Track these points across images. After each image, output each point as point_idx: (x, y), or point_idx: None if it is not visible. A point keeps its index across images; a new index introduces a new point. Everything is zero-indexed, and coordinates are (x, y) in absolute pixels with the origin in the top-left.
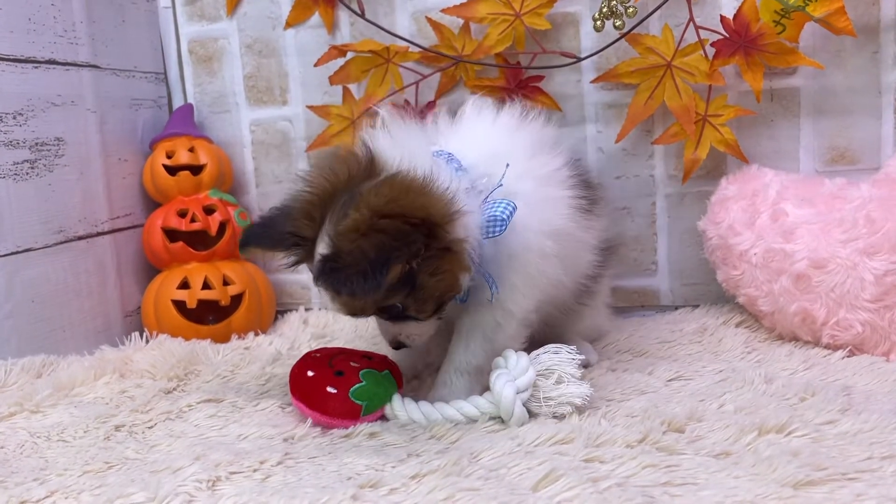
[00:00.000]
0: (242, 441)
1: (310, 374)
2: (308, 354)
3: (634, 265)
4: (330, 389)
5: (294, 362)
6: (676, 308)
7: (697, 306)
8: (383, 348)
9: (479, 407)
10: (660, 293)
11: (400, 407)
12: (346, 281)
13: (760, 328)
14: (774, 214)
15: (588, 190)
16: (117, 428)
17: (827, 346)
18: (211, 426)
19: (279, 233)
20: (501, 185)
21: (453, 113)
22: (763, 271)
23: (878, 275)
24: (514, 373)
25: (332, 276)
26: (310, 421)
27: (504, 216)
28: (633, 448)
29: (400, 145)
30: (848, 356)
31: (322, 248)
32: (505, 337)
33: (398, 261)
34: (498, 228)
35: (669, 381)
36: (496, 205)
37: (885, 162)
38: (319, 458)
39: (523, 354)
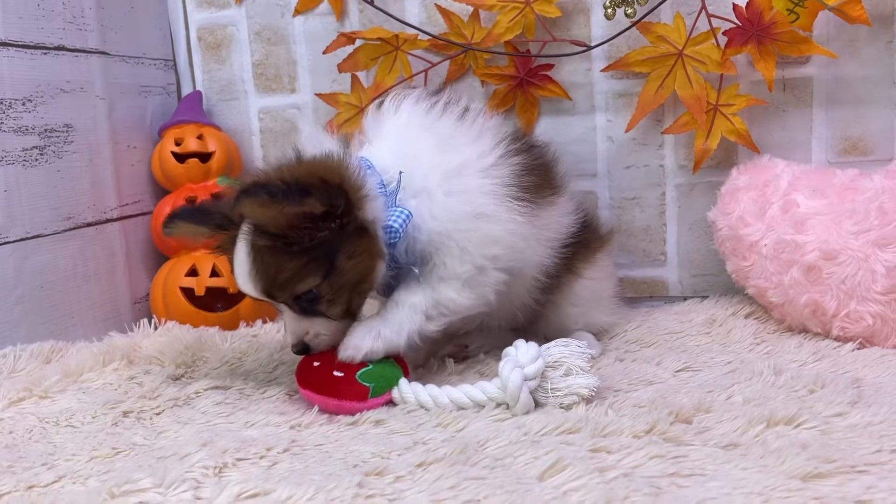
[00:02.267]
0: (249, 428)
1: (316, 364)
2: None
3: (643, 255)
4: (337, 373)
5: None
6: (685, 299)
7: (706, 297)
8: None
9: (486, 392)
10: (668, 284)
11: (407, 390)
12: (267, 189)
13: (770, 319)
14: (785, 205)
15: (536, 177)
16: (125, 414)
17: (837, 339)
18: (218, 413)
19: (206, 212)
20: (401, 187)
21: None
22: (773, 262)
23: (889, 267)
24: (523, 360)
25: (253, 188)
26: (316, 409)
27: (396, 225)
28: (640, 439)
29: (319, 146)
30: (858, 348)
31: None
32: (448, 289)
33: (318, 198)
34: (396, 238)
35: (677, 372)
36: (391, 214)
37: None
38: (326, 446)
39: (533, 344)
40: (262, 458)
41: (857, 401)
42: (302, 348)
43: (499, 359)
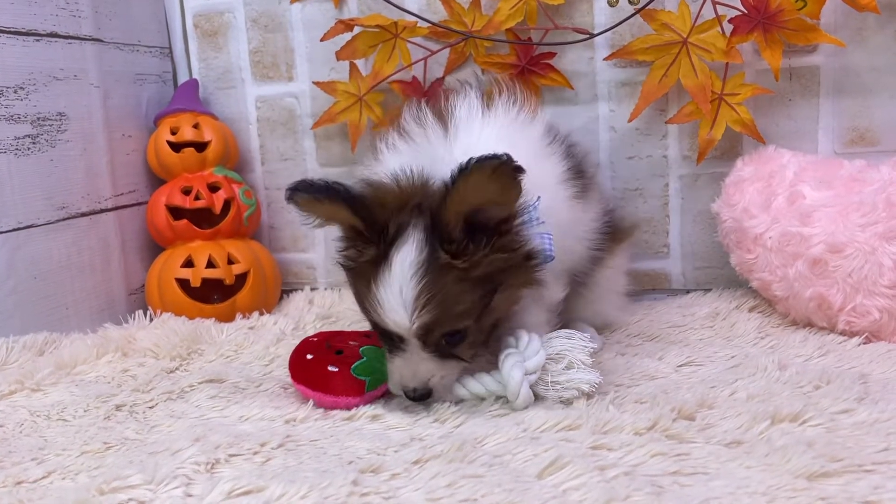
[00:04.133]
0: (243, 423)
1: (308, 357)
2: (305, 340)
3: (646, 247)
4: (331, 368)
5: (296, 345)
6: (688, 292)
7: (709, 290)
8: None
9: (485, 385)
10: (671, 276)
11: None
12: (502, 161)
13: (774, 313)
14: (791, 197)
15: (582, 177)
16: (118, 408)
17: (843, 333)
18: (212, 407)
19: (335, 188)
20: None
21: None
22: (778, 255)
23: None
24: (525, 354)
25: (487, 158)
26: (311, 403)
27: (548, 249)
28: (642, 435)
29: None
30: (864, 343)
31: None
32: (549, 292)
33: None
34: (548, 261)
35: (680, 366)
36: (539, 236)
37: None
38: (321, 442)
39: (535, 337)
40: (255, 453)
41: (863, 397)
42: (423, 394)
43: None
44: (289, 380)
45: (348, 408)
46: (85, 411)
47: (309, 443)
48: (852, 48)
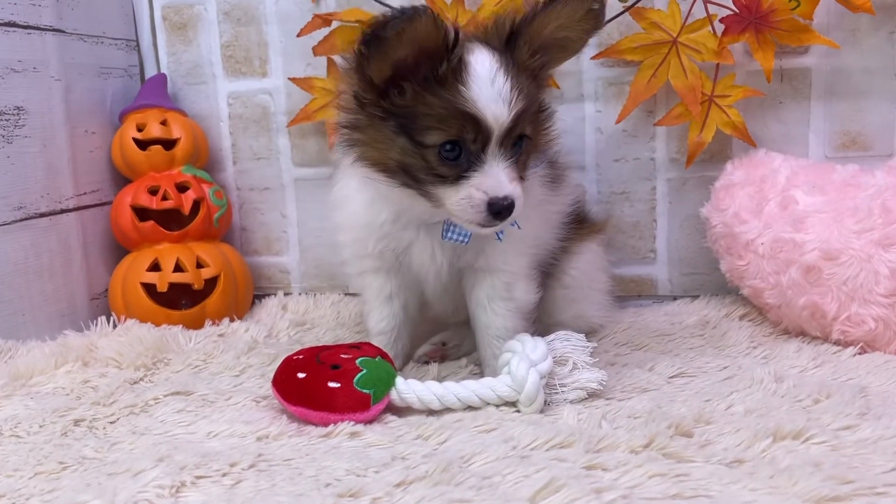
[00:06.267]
0: (212, 439)
1: (301, 375)
2: (289, 358)
3: (632, 252)
4: (332, 385)
5: (279, 366)
6: (675, 298)
7: (697, 296)
8: (366, 336)
9: (495, 390)
10: (658, 282)
11: (406, 390)
12: None
13: (765, 321)
14: (784, 202)
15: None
16: (76, 423)
17: (837, 343)
18: (178, 422)
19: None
20: None
21: None
22: (770, 262)
23: (893, 268)
24: (534, 358)
25: None
26: (285, 419)
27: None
28: (639, 454)
29: None
30: (859, 353)
31: None
32: (521, 292)
33: None
34: None
35: (671, 377)
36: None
37: None
38: (295, 461)
39: (541, 340)
40: (224, 475)
41: (865, 412)
42: (510, 205)
43: (478, 360)
44: (261, 392)
45: (356, 422)
46: (41, 427)
47: (282, 462)
48: (845, 49)
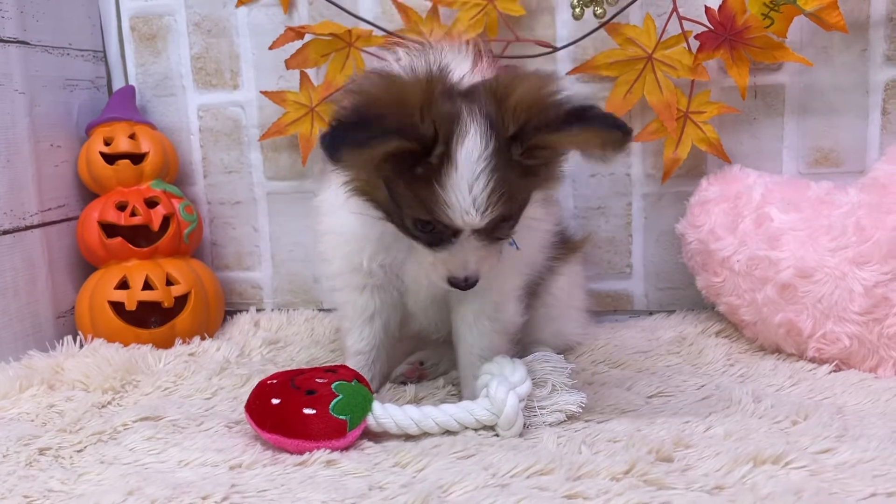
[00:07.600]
0: (183, 469)
1: (275, 401)
2: (262, 383)
3: (608, 267)
4: (307, 411)
5: (252, 391)
6: (651, 313)
7: (673, 311)
8: (340, 357)
9: (474, 414)
10: (634, 297)
11: (384, 415)
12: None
13: (741, 338)
14: (759, 219)
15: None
16: (42, 451)
17: (812, 360)
18: (148, 450)
19: (378, 128)
20: None
21: None
22: (746, 279)
23: (867, 286)
24: (513, 380)
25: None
26: (259, 447)
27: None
28: (620, 481)
29: None
30: (834, 371)
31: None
32: (510, 313)
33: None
34: None
35: (650, 397)
36: None
37: (870, 165)
38: (270, 493)
39: (519, 362)
40: None
41: (843, 434)
42: (473, 282)
43: (456, 380)
44: (233, 417)
45: (334, 450)
46: (4, 457)
47: (257, 494)
48: (818, 67)
